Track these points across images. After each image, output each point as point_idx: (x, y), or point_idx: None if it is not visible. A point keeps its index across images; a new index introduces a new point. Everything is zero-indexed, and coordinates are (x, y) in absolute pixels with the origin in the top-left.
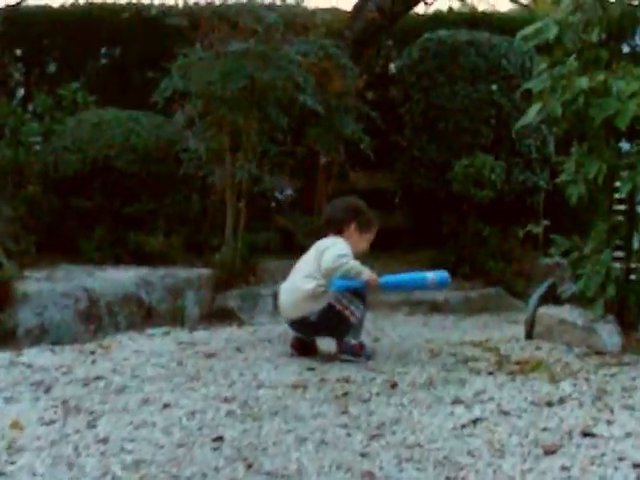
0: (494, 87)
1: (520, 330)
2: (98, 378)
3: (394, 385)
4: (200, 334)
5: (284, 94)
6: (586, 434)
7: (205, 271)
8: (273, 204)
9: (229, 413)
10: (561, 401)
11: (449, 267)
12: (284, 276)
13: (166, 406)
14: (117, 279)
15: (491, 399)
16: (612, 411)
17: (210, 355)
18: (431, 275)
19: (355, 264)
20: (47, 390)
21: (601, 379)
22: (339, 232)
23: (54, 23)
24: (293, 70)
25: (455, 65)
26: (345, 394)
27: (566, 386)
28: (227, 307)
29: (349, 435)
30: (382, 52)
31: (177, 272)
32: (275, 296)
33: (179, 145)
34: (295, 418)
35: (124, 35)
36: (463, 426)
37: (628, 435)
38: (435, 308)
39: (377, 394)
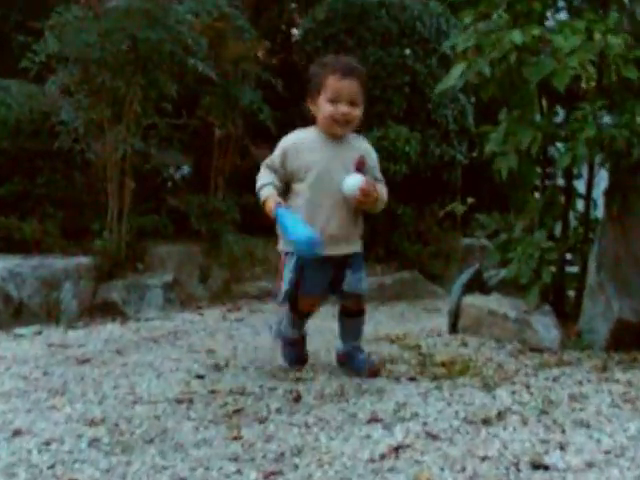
0: (407, 52)
1: (442, 321)
2: None
3: (298, 398)
4: (76, 334)
5: (172, 58)
6: (537, 465)
7: (85, 260)
8: (170, 183)
9: (93, 442)
10: (500, 417)
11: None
12: (176, 264)
13: (16, 433)
14: None
15: (415, 416)
16: (563, 430)
17: (84, 361)
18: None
19: (261, 181)
20: None
21: (543, 385)
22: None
23: None
24: (183, 31)
25: (365, 28)
26: (238, 411)
27: (503, 395)
28: (110, 300)
29: (239, 473)
30: (284, 14)
31: (53, 262)
32: (165, 287)
33: (54, 117)
34: (174, 447)
35: None
36: (382, 456)
37: (589, 465)
38: None
39: (277, 410)
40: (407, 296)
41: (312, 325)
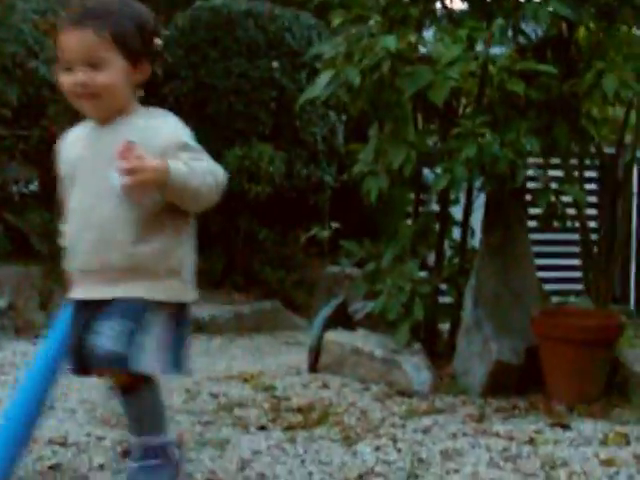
0: (275, 64)
1: (302, 357)
2: None
3: (127, 452)
4: None
5: (13, 60)
6: None
7: None
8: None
9: None
10: None
11: (217, 277)
12: (14, 288)
13: None
14: None
15: (261, 477)
16: None
17: None
18: None
19: None
20: None
21: (412, 438)
22: None
23: None
24: (26, 31)
25: (231, 38)
26: (53, 467)
27: (366, 452)
28: None
29: None
30: None
31: None
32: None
33: None
34: None
35: None
36: None
37: None
38: (198, 327)
39: (100, 467)
40: (267, 328)
41: None
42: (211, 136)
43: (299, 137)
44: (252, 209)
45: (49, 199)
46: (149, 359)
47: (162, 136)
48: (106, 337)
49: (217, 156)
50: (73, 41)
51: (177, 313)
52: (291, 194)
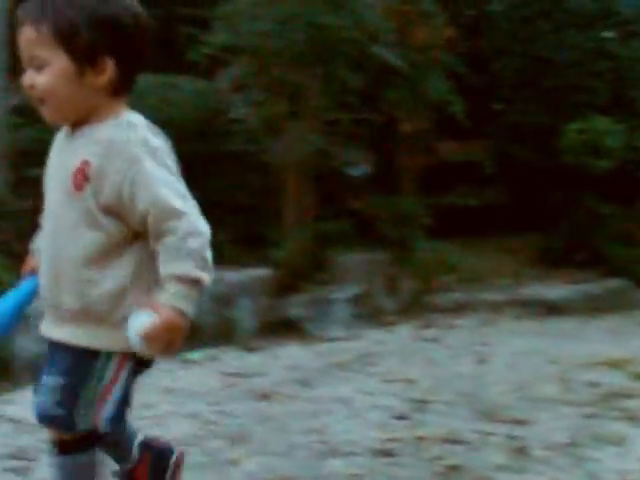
0: (609, 34)
1: None
2: None
3: (521, 449)
4: (254, 359)
5: (355, 46)
6: None
7: (262, 272)
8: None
9: None
10: None
11: (559, 254)
12: (363, 274)
13: None
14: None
15: None
16: None
17: (264, 395)
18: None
19: None
20: None
21: None
22: None
23: None
24: (367, 16)
25: (561, 10)
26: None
27: None
28: (291, 317)
29: None
30: None
31: (226, 275)
32: (351, 301)
33: (225, 115)
34: None
35: None
36: None
37: None
38: (549, 309)
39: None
40: (617, 307)
41: (517, 342)
42: (546, 111)
43: (637, 108)
44: (593, 184)
45: (387, 183)
46: (85, 416)
47: (122, 157)
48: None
49: (552, 131)
50: (19, 39)
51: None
52: (632, 167)
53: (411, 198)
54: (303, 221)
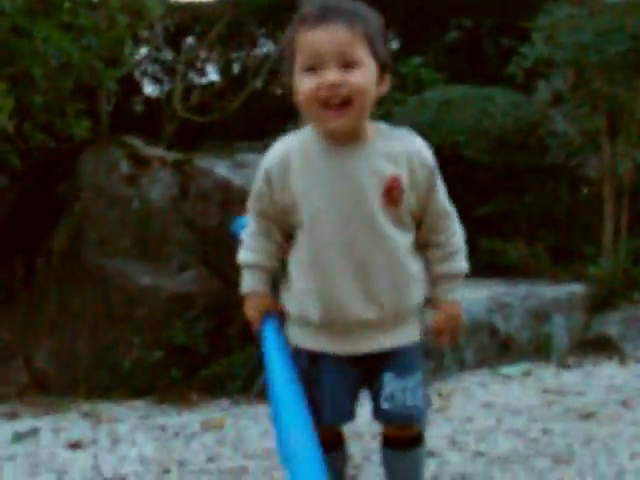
0: None
1: None
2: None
3: None
4: (570, 376)
5: None
6: None
7: (577, 288)
8: None
9: None
10: None
11: None
12: None
13: None
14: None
15: None
16: None
17: (586, 415)
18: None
19: (243, 250)
20: None
21: None
22: None
23: None
24: None
25: None
26: None
27: None
28: (605, 335)
29: None
30: None
31: (541, 290)
32: None
33: (543, 128)
34: None
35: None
36: None
37: None
38: None
39: None
40: None
41: None
42: None
43: None
44: None
45: None
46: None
47: (419, 170)
48: (416, 393)
49: None
50: (322, 38)
51: None
52: None
53: None
54: (619, 237)
